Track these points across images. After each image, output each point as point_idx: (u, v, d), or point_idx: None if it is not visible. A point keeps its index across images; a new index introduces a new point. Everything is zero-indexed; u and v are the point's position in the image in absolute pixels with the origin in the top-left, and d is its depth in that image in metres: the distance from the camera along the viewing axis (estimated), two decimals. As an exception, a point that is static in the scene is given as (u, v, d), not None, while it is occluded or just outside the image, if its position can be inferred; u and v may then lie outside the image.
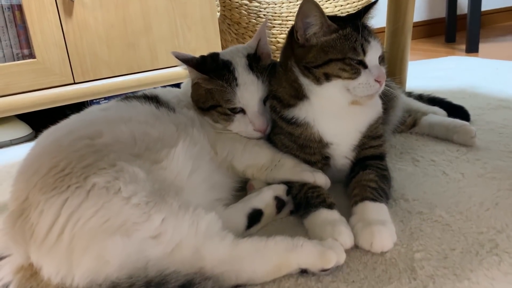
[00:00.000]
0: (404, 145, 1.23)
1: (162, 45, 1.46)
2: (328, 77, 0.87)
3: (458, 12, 3.18)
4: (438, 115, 1.32)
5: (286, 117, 0.95)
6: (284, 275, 0.71)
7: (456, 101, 1.43)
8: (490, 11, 3.66)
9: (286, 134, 0.96)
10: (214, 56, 1.01)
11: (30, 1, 1.25)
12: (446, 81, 1.98)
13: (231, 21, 2.07)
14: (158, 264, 0.66)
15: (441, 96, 1.45)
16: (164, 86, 1.19)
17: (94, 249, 0.64)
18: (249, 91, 0.96)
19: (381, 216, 0.80)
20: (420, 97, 1.46)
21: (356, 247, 0.77)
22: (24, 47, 1.34)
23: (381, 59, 0.90)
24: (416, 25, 3.38)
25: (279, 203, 0.90)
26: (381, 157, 0.98)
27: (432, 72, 2.23)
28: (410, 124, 1.31)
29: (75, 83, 1.34)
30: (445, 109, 1.36)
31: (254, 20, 2.04)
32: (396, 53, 1.58)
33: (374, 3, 0.94)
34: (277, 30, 2.08)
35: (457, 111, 1.37)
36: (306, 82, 0.90)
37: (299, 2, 1.91)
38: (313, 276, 0.71)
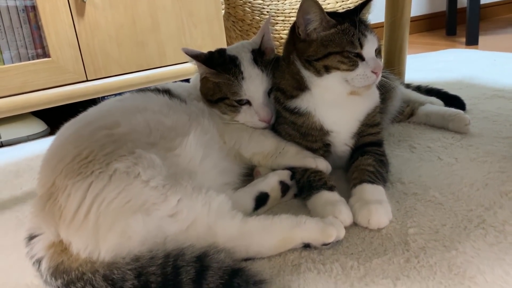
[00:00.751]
0: (402, 134, 1.27)
1: (170, 43, 1.51)
2: (328, 69, 0.92)
3: (459, 5, 3.18)
4: (435, 105, 1.36)
5: (289, 108, 1.00)
6: (289, 249, 0.78)
7: (453, 91, 1.46)
8: (489, 4, 3.67)
9: (290, 123, 1.01)
10: (221, 51, 1.07)
11: (44, 2, 1.30)
12: (444, 72, 2.00)
13: (236, 19, 2.12)
14: (175, 240, 0.72)
15: (439, 87, 1.49)
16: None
17: (118, 226, 0.71)
18: (254, 84, 1.01)
19: (378, 196, 0.86)
20: (418, 88, 1.50)
21: (354, 224, 0.83)
22: (38, 46, 1.39)
23: (378, 52, 0.95)
24: (418, 19, 3.38)
25: (284, 187, 0.96)
26: (379, 143, 1.03)
27: (432, 64, 2.24)
28: (408, 113, 1.35)
29: (87, 80, 1.39)
30: (442, 99, 1.40)
31: (257, 17, 2.09)
32: (394, 45, 1.60)
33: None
34: (280, 27, 2.12)
35: (453, 101, 1.41)
36: (307, 74, 0.96)
37: (300, -1, 1.95)
38: (315, 250, 0.78)
